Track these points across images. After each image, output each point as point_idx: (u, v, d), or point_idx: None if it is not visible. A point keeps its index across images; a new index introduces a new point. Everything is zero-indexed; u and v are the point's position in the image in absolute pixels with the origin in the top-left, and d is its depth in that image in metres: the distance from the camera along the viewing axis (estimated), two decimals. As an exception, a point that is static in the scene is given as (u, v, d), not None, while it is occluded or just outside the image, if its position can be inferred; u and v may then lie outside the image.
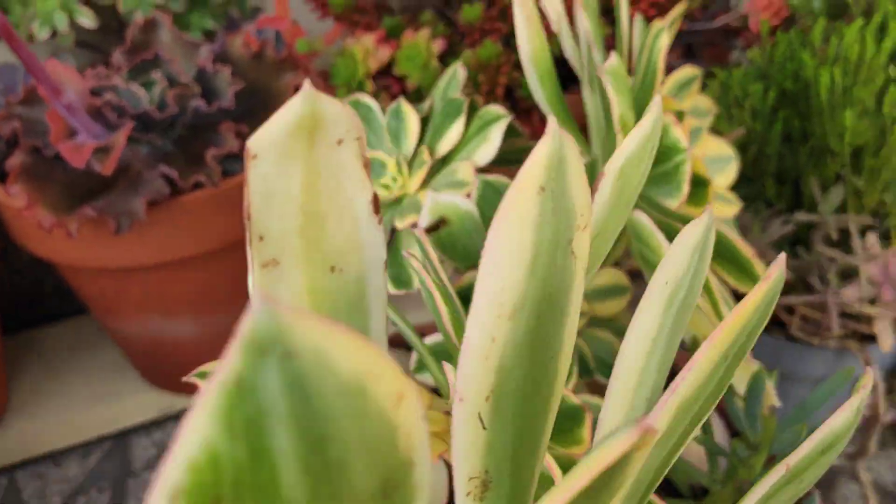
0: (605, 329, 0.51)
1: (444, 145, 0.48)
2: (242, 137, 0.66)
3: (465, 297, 0.33)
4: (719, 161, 0.50)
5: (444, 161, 0.50)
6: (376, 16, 0.77)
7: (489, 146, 0.47)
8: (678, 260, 0.26)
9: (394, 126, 0.51)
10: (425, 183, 0.49)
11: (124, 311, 0.71)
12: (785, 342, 0.66)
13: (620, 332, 0.49)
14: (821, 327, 0.64)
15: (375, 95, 0.74)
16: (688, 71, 0.53)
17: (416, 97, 0.72)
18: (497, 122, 0.47)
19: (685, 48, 0.85)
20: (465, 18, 0.68)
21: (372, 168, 0.48)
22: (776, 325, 0.68)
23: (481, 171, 0.47)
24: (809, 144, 0.65)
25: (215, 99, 0.67)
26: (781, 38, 0.66)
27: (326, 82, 0.73)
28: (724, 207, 0.49)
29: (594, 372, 0.49)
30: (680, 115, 0.45)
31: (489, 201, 0.44)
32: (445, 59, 0.75)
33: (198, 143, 0.67)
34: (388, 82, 0.74)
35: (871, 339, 0.66)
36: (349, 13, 0.73)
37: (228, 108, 0.66)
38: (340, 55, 0.72)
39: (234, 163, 0.66)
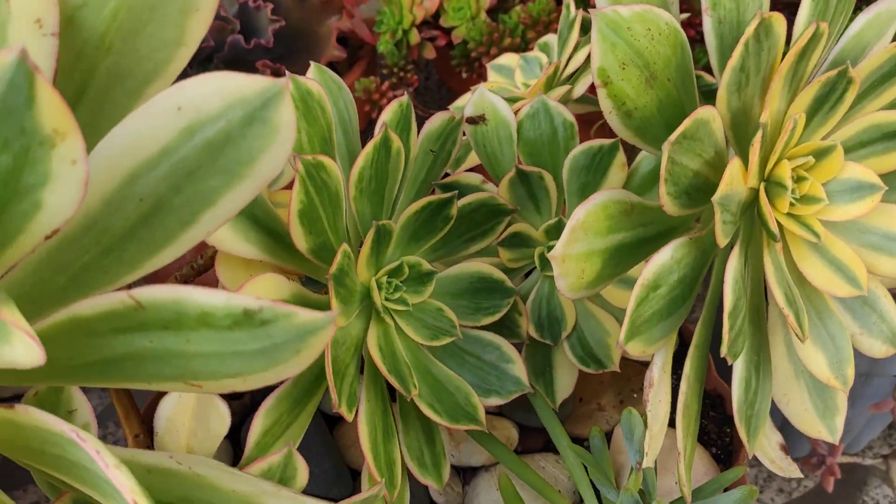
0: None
1: (570, 67, 0.46)
2: (279, 76, 0.62)
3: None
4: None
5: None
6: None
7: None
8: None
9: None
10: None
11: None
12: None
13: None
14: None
15: (421, 46, 0.69)
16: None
17: (462, 50, 0.68)
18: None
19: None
20: (514, -30, 0.64)
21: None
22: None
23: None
24: None
25: (254, 36, 0.63)
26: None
27: (371, 29, 0.69)
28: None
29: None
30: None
31: (536, 120, 0.41)
32: (496, 13, 0.70)
33: (230, 82, 0.63)
34: (434, 33, 0.70)
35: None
36: (397, -41, 0.68)
37: (267, 45, 0.62)
38: (387, 2, 0.68)
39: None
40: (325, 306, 0.34)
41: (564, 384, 0.45)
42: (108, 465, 0.20)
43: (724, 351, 0.35)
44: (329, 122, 0.35)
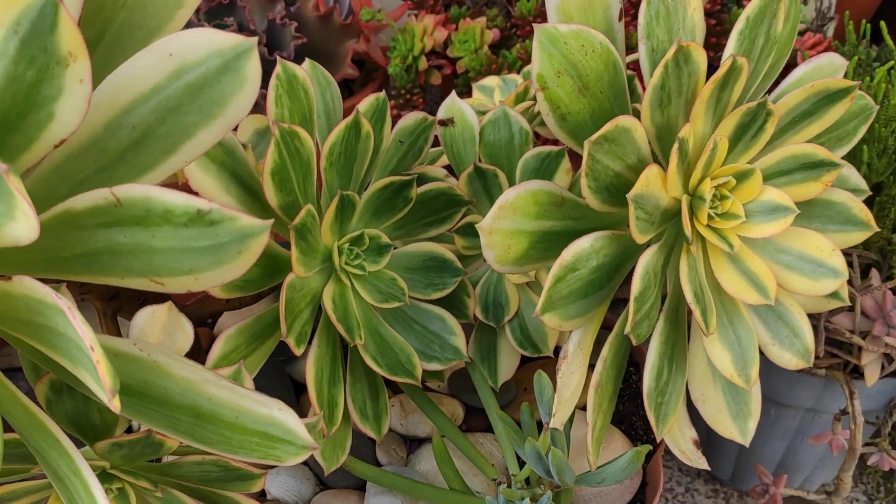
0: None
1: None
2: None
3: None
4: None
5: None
6: (444, 4, 0.79)
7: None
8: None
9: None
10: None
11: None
12: (775, 365, 0.65)
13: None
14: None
15: (427, 73, 0.76)
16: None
17: (465, 79, 0.74)
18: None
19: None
20: (518, 11, 0.70)
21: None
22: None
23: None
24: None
25: (278, 49, 0.70)
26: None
27: (384, 54, 0.76)
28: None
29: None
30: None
31: (496, 126, 0.46)
32: (498, 48, 0.77)
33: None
34: (440, 62, 0.76)
35: (858, 372, 0.64)
36: (416, -6, 0.75)
37: (288, 59, 0.69)
38: (402, 31, 0.75)
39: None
40: (287, 260, 0.39)
41: (506, 367, 0.50)
42: (75, 318, 0.25)
43: (627, 329, 0.40)
44: (311, 103, 0.41)
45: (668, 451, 0.93)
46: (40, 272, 0.31)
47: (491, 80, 0.59)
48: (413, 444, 0.52)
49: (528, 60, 0.72)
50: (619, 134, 0.39)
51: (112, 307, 0.42)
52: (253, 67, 0.28)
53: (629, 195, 0.39)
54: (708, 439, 0.82)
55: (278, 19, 0.71)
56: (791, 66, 0.74)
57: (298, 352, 0.38)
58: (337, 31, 0.75)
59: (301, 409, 0.51)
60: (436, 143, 0.51)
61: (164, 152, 0.30)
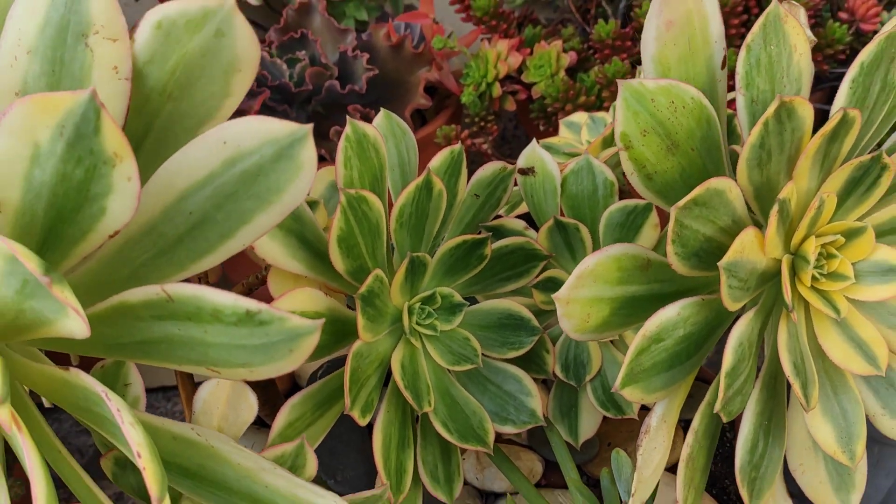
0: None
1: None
2: (367, 120, 0.68)
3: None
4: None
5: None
6: (517, 25, 0.76)
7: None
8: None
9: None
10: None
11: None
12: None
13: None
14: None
15: (502, 99, 0.73)
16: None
17: (540, 105, 0.71)
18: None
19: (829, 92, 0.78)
20: (597, 34, 0.66)
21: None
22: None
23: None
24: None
25: (350, 82, 0.68)
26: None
27: (457, 81, 0.74)
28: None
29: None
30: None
31: (579, 176, 0.44)
32: (575, 72, 0.73)
33: (328, 120, 0.69)
34: (515, 87, 0.73)
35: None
36: (490, 18, 0.72)
37: (360, 91, 0.67)
38: (475, 57, 0.72)
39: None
40: (356, 323, 0.37)
41: (587, 426, 0.47)
42: (123, 422, 0.24)
43: (717, 408, 0.36)
44: (382, 162, 0.39)
45: None
46: (102, 355, 0.30)
47: (579, 117, 0.56)
48: (489, 497, 0.50)
49: (606, 85, 0.68)
50: (710, 197, 0.35)
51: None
52: (308, 155, 0.27)
53: (721, 263, 0.35)
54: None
55: (350, 51, 0.69)
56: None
57: (363, 422, 0.37)
58: (409, 61, 0.73)
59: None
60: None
61: (221, 237, 0.28)
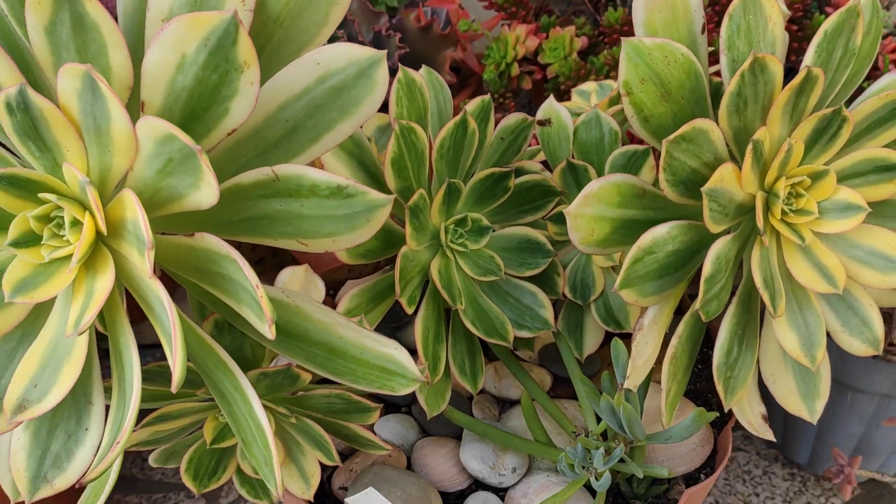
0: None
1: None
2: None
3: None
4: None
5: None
6: (535, 14, 0.84)
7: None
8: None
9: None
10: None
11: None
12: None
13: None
14: (886, 342, 0.64)
15: (519, 78, 0.81)
16: None
17: (554, 83, 0.79)
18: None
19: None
20: (606, 20, 0.74)
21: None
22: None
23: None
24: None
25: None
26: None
27: (479, 61, 0.82)
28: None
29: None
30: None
31: (589, 126, 0.51)
32: (586, 55, 0.81)
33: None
34: (531, 68, 0.81)
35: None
36: (510, 6, 0.81)
37: (392, 66, 0.76)
38: (496, 40, 0.80)
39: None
40: (402, 236, 0.45)
41: (591, 341, 0.54)
42: (248, 270, 0.32)
43: (696, 306, 0.44)
44: (426, 103, 0.47)
45: (745, 443, 0.95)
46: (214, 232, 0.38)
47: (589, 86, 0.64)
48: (505, 405, 0.57)
49: (614, 66, 0.76)
50: (696, 134, 0.43)
51: (257, 271, 0.50)
52: (382, 74, 0.35)
53: (703, 188, 0.43)
54: (785, 426, 0.84)
55: (383, 31, 0.77)
56: (876, 70, 0.75)
57: (409, 310, 0.44)
58: (436, 41, 0.81)
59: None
60: (534, 143, 0.56)
61: (310, 141, 0.36)
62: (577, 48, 0.77)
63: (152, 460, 0.49)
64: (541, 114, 0.53)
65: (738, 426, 0.96)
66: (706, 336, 0.62)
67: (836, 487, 0.83)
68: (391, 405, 0.57)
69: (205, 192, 0.33)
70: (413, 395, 0.57)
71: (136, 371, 0.35)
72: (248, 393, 0.35)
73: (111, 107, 0.31)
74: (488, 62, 0.79)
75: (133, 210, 0.32)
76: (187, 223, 0.37)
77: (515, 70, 0.79)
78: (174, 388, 0.32)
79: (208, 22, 0.31)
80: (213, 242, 0.34)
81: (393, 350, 0.36)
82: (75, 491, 0.40)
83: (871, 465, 0.78)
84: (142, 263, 0.33)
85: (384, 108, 0.50)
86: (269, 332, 0.32)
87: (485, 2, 0.83)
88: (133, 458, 0.92)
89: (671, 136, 0.42)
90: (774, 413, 0.85)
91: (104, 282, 0.35)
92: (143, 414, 0.44)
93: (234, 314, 0.38)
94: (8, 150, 0.38)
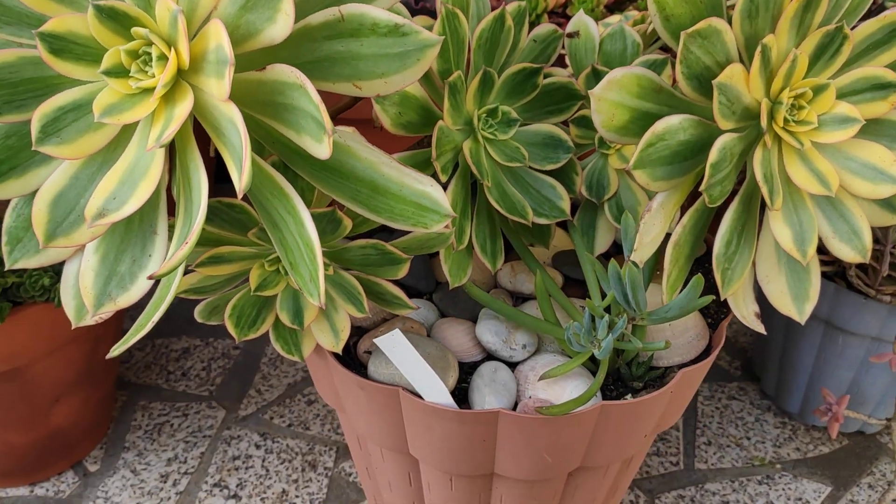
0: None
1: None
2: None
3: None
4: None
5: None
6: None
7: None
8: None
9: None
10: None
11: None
12: (844, 290, 0.71)
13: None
14: (877, 279, 0.68)
15: (549, 27, 0.86)
16: None
17: (581, 30, 0.84)
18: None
19: None
20: (635, -29, 0.79)
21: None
22: (838, 274, 0.73)
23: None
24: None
25: (423, 1, 0.81)
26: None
27: (512, 8, 0.86)
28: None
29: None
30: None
31: (613, 39, 0.55)
32: (612, 10, 0.86)
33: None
34: (560, 21, 0.86)
35: (925, 306, 0.69)
36: (545, -44, 0.85)
37: (430, 8, 0.80)
38: (529, -11, 0.85)
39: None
40: (439, 116, 0.50)
41: (602, 240, 0.59)
42: (315, 93, 0.36)
43: (701, 187, 0.48)
44: (468, 2, 0.51)
45: (740, 393, 0.99)
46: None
47: (613, 19, 0.68)
48: (518, 299, 0.62)
49: (640, 20, 0.81)
50: (710, 32, 0.48)
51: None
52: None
53: (714, 81, 0.47)
54: (780, 376, 0.88)
55: (412, 3, 0.82)
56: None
57: (443, 177, 0.49)
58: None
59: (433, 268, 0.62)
60: (561, 63, 0.61)
61: (369, -2, 0.41)
62: (604, 2, 0.82)
63: (197, 313, 0.53)
64: (570, 26, 0.58)
65: (727, 377, 1.00)
66: (707, 254, 0.67)
67: (826, 436, 0.87)
68: (414, 292, 0.61)
69: (280, 24, 0.37)
70: (435, 284, 0.62)
71: (203, 186, 0.40)
72: (301, 212, 0.40)
73: (206, -62, 0.36)
74: (514, 14, 0.84)
75: (218, 36, 0.37)
76: (255, 64, 0.42)
77: (545, 20, 0.84)
78: (240, 191, 0.36)
79: None
80: (283, 72, 0.39)
81: (429, 187, 0.41)
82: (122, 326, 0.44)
83: (861, 413, 0.82)
84: (220, 86, 0.38)
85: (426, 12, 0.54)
86: (326, 148, 0.37)
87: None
88: (159, 371, 0.97)
89: (689, 30, 0.46)
90: (769, 365, 0.89)
91: (183, 107, 0.39)
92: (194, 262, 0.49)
93: (290, 153, 0.43)
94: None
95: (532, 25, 0.87)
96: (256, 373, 0.97)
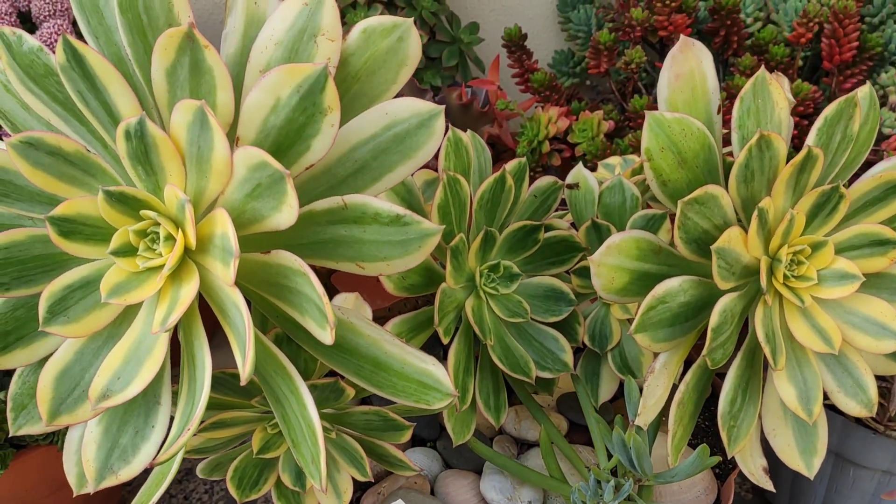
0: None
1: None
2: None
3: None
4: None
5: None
6: (566, 99, 0.91)
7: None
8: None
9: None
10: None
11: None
12: (852, 424, 0.70)
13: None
14: (885, 416, 0.67)
15: (549, 155, 0.87)
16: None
17: (582, 161, 0.85)
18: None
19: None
20: (632, 106, 0.81)
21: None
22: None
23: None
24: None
25: None
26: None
27: (514, 137, 0.88)
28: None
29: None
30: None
31: (612, 191, 0.56)
32: (612, 137, 0.87)
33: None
34: (561, 147, 0.87)
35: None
36: (544, 90, 0.88)
37: (436, 136, 0.82)
38: (529, 119, 0.87)
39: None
40: (442, 276, 0.50)
41: (606, 389, 0.58)
42: (317, 283, 0.37)
43: (704, 352, 0.48)
44: (470, 161, 0.52)
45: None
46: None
47: (613, 160, 0.69)
48: (523, 446, 0.61)
49: (637, 148, 0.82)
50: (707, 199, 0.48)
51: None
52: (440, 126, 0.40)
53: (713, 246, 0.47)
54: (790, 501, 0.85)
55: None
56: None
57: (445, 340, 0.49)
58: (475, 118, 0.87)
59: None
60: (563, 207, 0.62)
61: (372, 179, 0.42)
62: (604, 130, 0.83)
63: (199, 471, 0.52)
64: (570, 178, 0.58)
65: (745, 483, 0.98)
66: (713, 397, 0.66)
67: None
68: (418, 440, 0.60)
69: (285, 214, 0.38)
70: (439, 430, 0.61)
71: (207, 367, 0.40)
72: (304, 394, 0.40)
73: (216, 137, 0.37)
74: (522, 139, 0.86)
75: (223, 225, 0.38)
76: (261, 244, 0.43)
77: (546, 147, 0.86)
78: (244, 380, 0.36)
79: (303, 71, 0.37)
80: (287, 258, 0.39)
81: (431, 366, 0.41)
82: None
83: (872, 540, 0.79)
84: (225, 272, 0.38)
85: (432, 166, 0.55)
86: (329, 336, 0.37)
87: (521, 85, 0.90)
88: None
89: (686, 198, 0.47)
90: (781, 490, 0.87)
91: (189, 288, 0.40)
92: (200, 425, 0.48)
93: (294, 327, 0.43)
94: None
95: (533, 151, 0.88)
96: None
